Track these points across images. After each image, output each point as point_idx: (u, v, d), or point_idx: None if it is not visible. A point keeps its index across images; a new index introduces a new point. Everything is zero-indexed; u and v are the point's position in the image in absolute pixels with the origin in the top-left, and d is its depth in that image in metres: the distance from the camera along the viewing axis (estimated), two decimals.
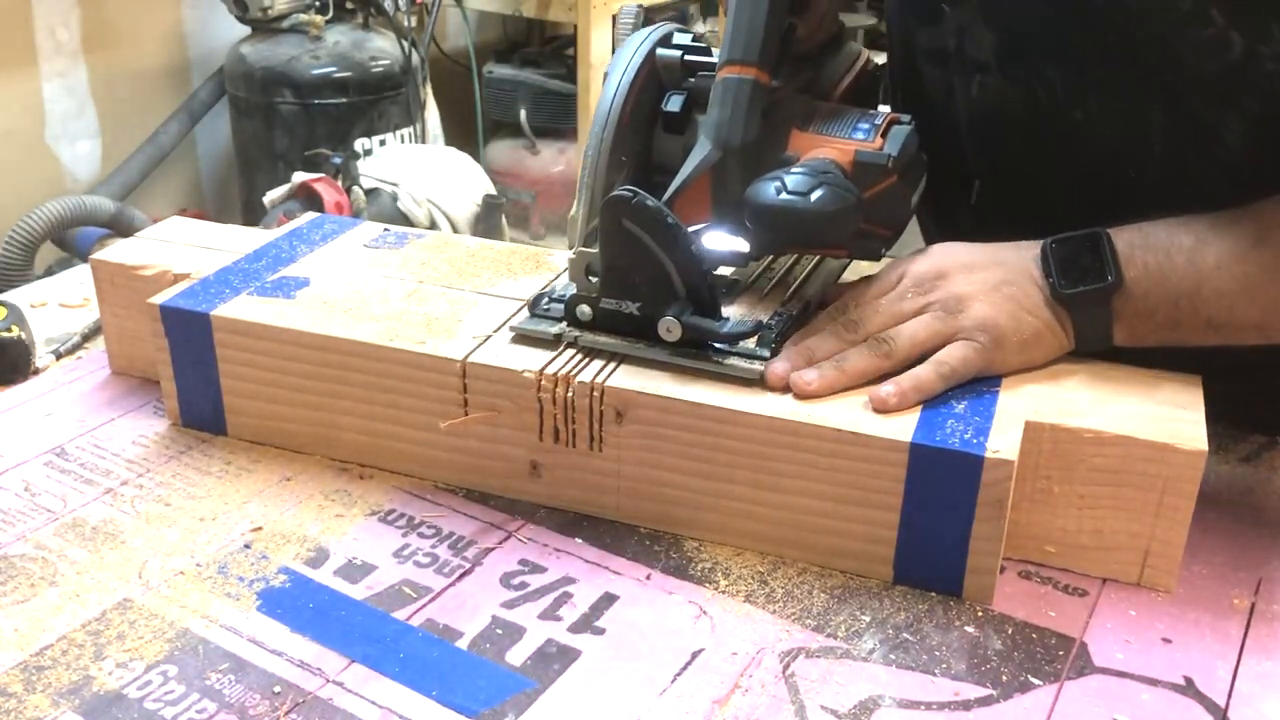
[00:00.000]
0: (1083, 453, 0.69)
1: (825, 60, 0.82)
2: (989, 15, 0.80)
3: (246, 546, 0.72)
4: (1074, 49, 0.77)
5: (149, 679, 0.62)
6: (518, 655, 0.64)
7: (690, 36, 0.79)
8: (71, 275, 1.10)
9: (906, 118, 0.75)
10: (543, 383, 0.73)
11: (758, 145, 0.73)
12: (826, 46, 0.82)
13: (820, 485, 0.69)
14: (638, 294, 0.73)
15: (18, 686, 0.61)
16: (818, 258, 0.85)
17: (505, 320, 0.79)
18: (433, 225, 2.41)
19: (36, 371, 0.92)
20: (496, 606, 0.68)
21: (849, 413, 0.69)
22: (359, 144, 2.60)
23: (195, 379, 0.82)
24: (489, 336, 0.77)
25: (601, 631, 0.66)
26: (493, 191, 2.61)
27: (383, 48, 2.65)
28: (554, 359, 0.74)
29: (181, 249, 0.92)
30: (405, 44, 2.66)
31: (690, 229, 0.72)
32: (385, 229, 0.95)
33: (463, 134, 3.05)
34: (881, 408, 0.69)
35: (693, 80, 0.77)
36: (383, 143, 2.65)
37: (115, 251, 0.91)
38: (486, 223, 2.51)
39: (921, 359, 0.72)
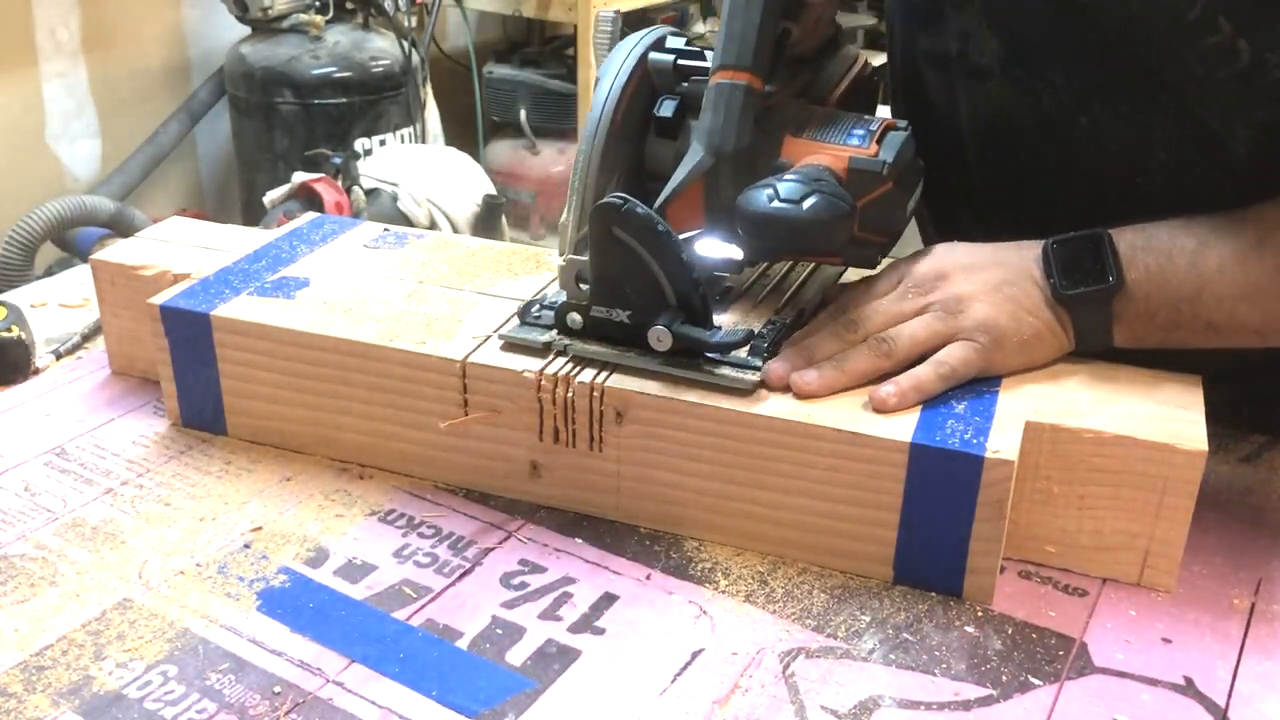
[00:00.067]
0: (1083, 453, 0.69)
1: (822, 64, 0.81)
2: (993, 21, 0.80)
3: (246, 546, 0.72)
4: (1079, 55, 0.76)
5: (149, 679, 0.62)
6: (518, 655, 0.64)
7: (684, 40, 0.78)
8: (71, 275, 1.10)
9: (903, 123, 0.75)
10: (543, 383, 0.73)
11: (751, 151, 0.72)
12: (823, 50, 0.82)
13: (820, 485, 0.69)
14: (628, 302, 0.72)
15: (18, 686, 0.61)
16: (813, 264, 0.84)
17: (505, 321, 0.78)
18: (433, 225, 2.41)
19: (36, 371, 0.92)
20: (496, 606, 0.68)
21: (849, 413, 0.69)
22: (359, 144, 2.60)
23: (195, 379, 0.82)
24: (489, 337, 0.77)
25: (601, 631, 0.66)
26: (493, 191, 2.61)
27: (383, 48, 2.65)
28: (554, 359, 0.74)
29: (181, 249, 0.92)
30: (405, 44, 2.66)
31: (683, 236, 0.72)
32: (385, 229, 0.95)
33: (463, 134, 3.05)
34: (881, 408, 0.69)
35: (686, 85, 0.76)
36: (383, 143, 2.65)
37: (115, 251, 0.91)
38: (486, 223, 2.51)
39: (921, 359, 0.72)
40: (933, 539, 0.68)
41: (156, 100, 2.65)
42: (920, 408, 0.70)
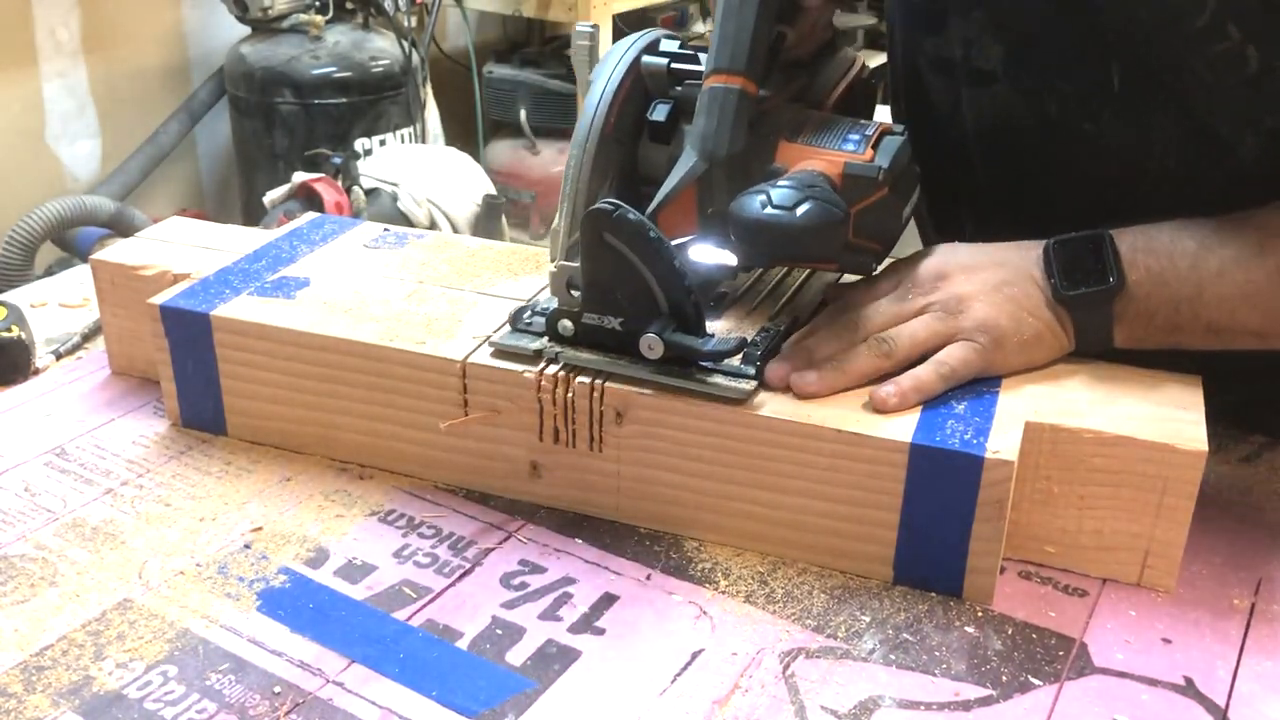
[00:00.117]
0: (1083, 453, 0.69)
1: (818, 67, 0.81)
2: (998, 27, 0.79)
3: (246, 546, 0.72)
4: (1083, 60, 0.76)
5: (149, 679, 0.62)
6: (518, 655, 0.64)
7: (678, 43, 0.77)
8: (71, 275, 1.10)
9: (899, 128, 0.74)
10: (543, 383, 0.73)
11: (744, 157, 0.71)
12: (819, 53, 0.81)
13: (820, 485, 0.69)
14: (620, 309, 0.71)
15: (18, 686, 0.61)
16: (809, 270, 0.84)
17: (505, 321, 0.78)
18: (433, 225, 2.41)
19: (36, 371, 0.92)
20: (496, 607, 0.68)
21: (849, 413, 0.69)
22: (359, 144, 2.60)
23: (195, 379, 0.82)
24: (489, 337, 0.77)
25: (601, 632, 0.66)
26: (493, 191, 2.61)
27: (383, 48, 2.65)
28: (546, 365, 0.74)
29: (181, 249, 0.92)
30: (405, 44, 2.66)
31: (676, 242, 0.71)
32: (385, 229, 0.95)
33: (463, 134, 3.05)
34: (881, 408, 0.69)
35: (679, 89, 0.75)
36: (383, 143, 2.65)
37: (115, 251, 0.91)
38: (486, 223, 2.51)
39: (922, 359, 0.71)
40: (933, 539, 0.68)
41: (156, 100, 2.65)
42: (920, 408, 0.70)
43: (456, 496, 0.78)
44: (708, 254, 0.75)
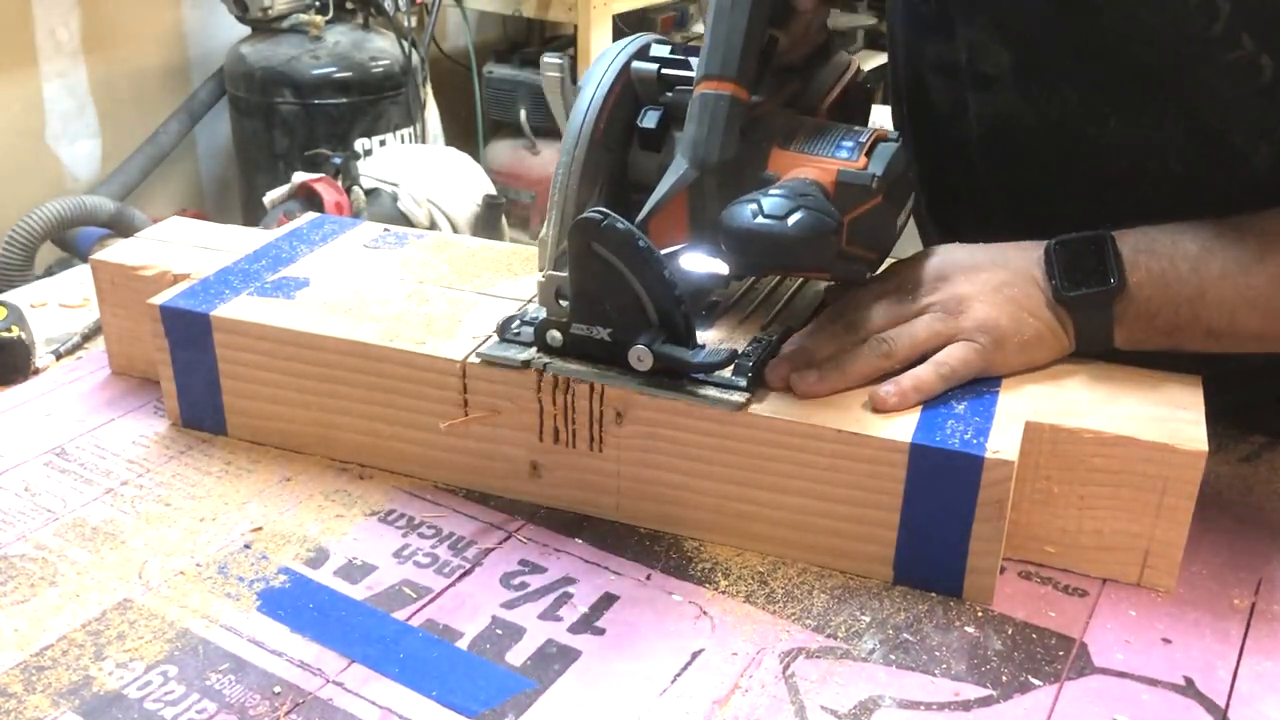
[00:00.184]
0: (1083, 453, 0.69)
1: (812, 72, 0.79)
2: (1004, 33, 0.79)
3: (246, 546, 0.72)
4: (1092, 68, 0.76)
5: (149, 679, 0.62)
6: (518, 655, 0.64)
7: (669, 48, 0.76)
8: (71, 275, 1.10)
9: (894, 134, 0.73)
10: (543, 383, 0.73)
11: (736, 164, 0.70)
12: (813, 57, 0.79)
13: (820, 485, 0.69)
14: (609, 320, 0.70)
15: (18, 686, 0.61)
16: (802, 279, 0.83)
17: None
18: (433, 225, 2.41)
19: (36, 371, 0.92)
20: (496, 607, 0.68)
21: (849, 413, 0.69)
22: (359, 144, 2.60)
23: (195, 379, 0.82)
24: (489, 337, 0.77)
25: (601, 632, 0.66)
26: (493, 192, 2.61)
27: (383, 48, 2.65)
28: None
29: (181, 249, 0.92)
30: (405, 44, 2.66)
31: (666, 251, 0.70)
32: (385, 229, 0.95)
33: (463, 134, 3.05)
34: (881, 408, 0.69)
35: (670, 95, 0.74)
36: (383, 143, 2.65)
37: (115, 251, 0.91)
38: (486, 223, 2.51)
39: (922, 360, 0.71)
40: (933, 539, 0.68)
41: (156, 100, 2.65)
42: (920, 408, 0.70)
43: (456, 496, 0.78)
44: (698, 263, 0.73)
